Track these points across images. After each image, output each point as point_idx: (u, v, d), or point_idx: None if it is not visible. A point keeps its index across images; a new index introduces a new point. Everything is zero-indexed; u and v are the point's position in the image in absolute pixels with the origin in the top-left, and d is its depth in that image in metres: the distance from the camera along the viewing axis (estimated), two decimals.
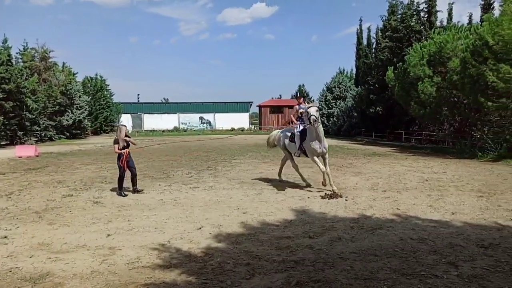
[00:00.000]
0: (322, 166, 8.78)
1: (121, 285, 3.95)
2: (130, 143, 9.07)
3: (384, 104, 29.67)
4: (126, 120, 58.89)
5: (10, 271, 4.34)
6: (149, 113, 63.79)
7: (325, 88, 46.16)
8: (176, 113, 64.15)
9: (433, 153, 19.71)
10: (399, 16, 30.32)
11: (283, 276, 4.12)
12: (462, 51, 18.52)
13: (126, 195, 8.66)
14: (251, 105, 67.51)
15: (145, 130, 58.70)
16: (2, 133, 28.33)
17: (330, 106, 43.61)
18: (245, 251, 4.95)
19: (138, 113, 63.65)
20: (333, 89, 44.48)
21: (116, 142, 8.94)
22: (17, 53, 36.91)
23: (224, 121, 63.00)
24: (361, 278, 4.00)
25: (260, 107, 67.29)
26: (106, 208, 7.50)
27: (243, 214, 6.93)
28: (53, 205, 7.83)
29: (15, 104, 29.04)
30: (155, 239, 5.49)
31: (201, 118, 64.48)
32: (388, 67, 26.18)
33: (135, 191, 9.01)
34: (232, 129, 59.99)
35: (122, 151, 8.83)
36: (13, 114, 29.01)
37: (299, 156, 9.50)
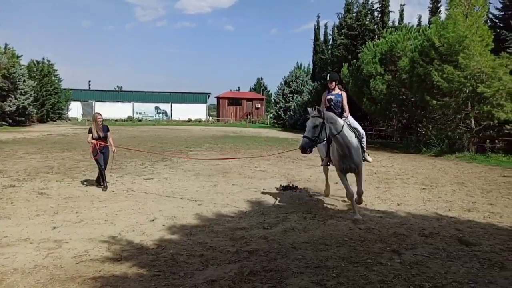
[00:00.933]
0: (347, 189, 6.17)
1: (67, 279, 3.78)
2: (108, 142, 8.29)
3: None
4: (76, 107, 55.98)
5: None
6: (101, 101, 61.02)
7: (283, 82, 46.70)
8: (130, 102, 61.97)
9: (382, 148, 20.72)
10: (354, 14, 31.30)
11: (236, 266, 4.15)
12: (411, 51, 19.52)
13: (105, 188, 8.00)
14: (209, 96, 66.86)
15: None
16: None
17: (287, 100, 44.23)
18: (199, 243, 4.92)
19: (89, 101, 60.69)
20: (291, 83, 45.12)
21: (90, 131, 8.16)
22: None
23: (181, 111, 61.83)
24: (312, 267, 4.14)
25: (218, 98, 66.94)
26: (52, 200, 7.12)
27: (198, 206, 6.88)
28: None
29: None
30: (105, 231, 5.30)
31: (156, 108, 62.84)
32: (343, 63, 27.00)
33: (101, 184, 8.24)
34: (189, 120, 59.08)
35: (93, 141, 8.09)
36: None
37: (327, 166, 7.09)
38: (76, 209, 6.49)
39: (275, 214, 6.35)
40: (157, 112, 62.71)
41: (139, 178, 9.52)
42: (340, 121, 5.96)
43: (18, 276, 3.84)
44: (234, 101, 65.91)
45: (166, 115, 62.93)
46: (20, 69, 39.28)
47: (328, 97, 6.66)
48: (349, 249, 4.72)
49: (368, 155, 6.74)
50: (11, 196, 7.36)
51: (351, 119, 6.58)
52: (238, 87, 78.97)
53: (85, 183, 8.77)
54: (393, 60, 21.74)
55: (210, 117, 65.91)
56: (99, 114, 8.54)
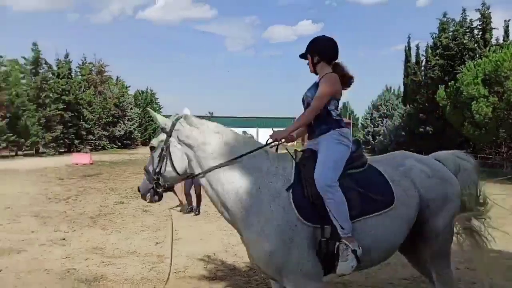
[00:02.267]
0: None
1: None
2: None
3: (434, 124, 28.44)
4: None
5: (68, 271, 4.62)
6: None
7: (370, 106, 45.19)
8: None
9: (489, 177, 18.49)
10: (450, 33, 29.22)
11: None
12: None
13: (189, 212, 8.18)
14: (293, 120, 67.56)
15: None
16: (61, 141, 30.48)
17: (376, 124, 42.50)
18: None
19: None
20: (379, 107, 43.41)
21: None
22: (76, 67, 39.91)
23: (268, 136, 63.36)
24: None
25: None
26: (154, 217, 7.79)
27: None
28: (106, 211, 8.27)
29: (73, 114, 31.26)
30: (200, 250, 5.60)
31: (244, 132, 65.16)
32: (439, 85, 25.17)
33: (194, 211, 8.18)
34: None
35: None
36: (71, 124, 31.20)
37: None
38: (175, 227, 6.99)
39: None
40: None
41: None
42: (213, 141, 2.68)
43: (127, 286, 4.25)
44: None
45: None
46: (128, 98, 44.66)
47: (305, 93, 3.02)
48: None
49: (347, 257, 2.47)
50: (121, 211, 8.26)
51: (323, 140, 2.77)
52: None
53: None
54: (498, 81, 19.60)
55: (295, 142, 66.34)
56: None
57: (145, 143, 49.88)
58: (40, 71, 30.37)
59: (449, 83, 24.39)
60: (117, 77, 47.75)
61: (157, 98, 55.86)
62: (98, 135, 36.16)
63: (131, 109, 43.68)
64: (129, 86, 48.60)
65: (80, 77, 38.28)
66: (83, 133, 33.21)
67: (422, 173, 2.78)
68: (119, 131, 40.61)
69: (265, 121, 66.36)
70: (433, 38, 30.94)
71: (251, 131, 67.82)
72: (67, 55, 33.33)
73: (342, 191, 2.45)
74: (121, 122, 41.37)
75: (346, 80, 2.87)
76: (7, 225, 6.85)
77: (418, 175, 2.76)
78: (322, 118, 2.74)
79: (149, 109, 3.66)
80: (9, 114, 24.89)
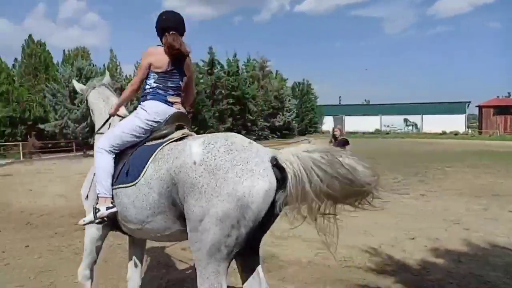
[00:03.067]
0: None
1: (335, 280, 4.11)
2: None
3: None
4: (328, 122, 61.44)
5: None
6: (350, 115, 64.37)
7: None
8: (378, 114, 62.39)
9: None
10: None
11: None
12: None
13: None
14: (468, 105, 58.47)
15: (346, 132, 59.65)
16: (231, 131, 34.52)
17: None
18: (470, 273, 4.30)
19: (340, 115, 65.24)
20: None
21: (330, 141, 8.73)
22: (242, 65, 44.15)
23: (433, 123, 56.84)
24: None
25: (480, 107, 57.53)
26: None
27: (465, 231, 6.04)
28: None
29: (240, 108, 34.83)
30: (365, 241, 5.46)
31: (405, 120, 60.47)
32: None
33: None
34: (443, 133, 53.55)
35: None
36: (239, 116, 34.89)
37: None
38: (338, 215, 7.01)
39: None
40: (406, 125, 60.29)
41: (393, 193, 9.33)
42: (96, 110, 3.45)
43: (296, 267, 4.50)
44: (503, 109, 54.73)
45: (416, 127, 59.54)
46: (286, 90, 46.93)
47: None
48: None
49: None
50: None
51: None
52: (509, 93, 65.31)
53: None
54: None
55: (470, 129, 57.42)
56: (336, 128, 8.74)
57: (302, 133, 51.73)
58: (215, 71, 34.91)
59: None
60: (277, 71, 50.82)
61: (313, 89, 56.95)
62: (260, 126, 39.37)
63: (289, 100, 45.84)
64: (287, 79, 51.11)
65: (245, 73, 42.32)
66: (249, 124, 36.73)
67: (188, 157, 2.21)
68: (278, 122, 43.26)
69: (429, 107, 59.60)
70: None
71: (414, 118, 62.10)
72: (235, 55, 37.31)
73: (120, 158, 2.66)
74: (280, 113, 43.93)
75: (169, 51, 2.69)
76: None
77: (183, 159, 2.23)
78: (142, 91, 2.83)
79: (74, 81, 3.96)
80: (192, 110, 29.67)
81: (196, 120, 29.48)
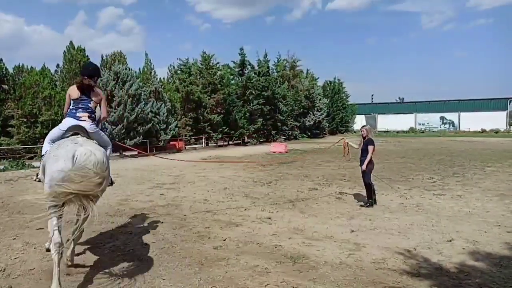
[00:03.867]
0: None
1: (369, 282, 4.04)
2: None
3: None
4: (360, 120, 60.20)
5: (275, 247, 5.20)
6: (383, 113, 62.76)
7: None
8: (412, 113, 60.46)
9: None
10: None
11: None
12: None
13: (368, 205, 7.67)
14: (510, 101, 55.37)
15: (378, 131, 58.16)
16: (261, 132, 34.51)
17: None
18: None
19: (372, 114, 63.75)
20: None
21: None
22: (272, 65, 44.06)
23: (472, 121, 54.38)
24: None
25: None
26: (347, 205, 7.88)
27: (507, 234, 5.76)
28: (302, 196, 8.89)
29: (270, 108, 34.80)
30: (399, 243, 5.33)
31: (442, 118, 58.19)
32: None
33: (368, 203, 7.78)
34: (483, 131, 51.06)
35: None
36: (269, 117, 34.86)
37: None
38: (369, 216, 6.89)
39: None
40: (443, 123, 58.00)
41: (429, 193, 9.03)
42: None
43: (328, 268, 4.45)
44: None
45: (453, 126, 57.16)
46: (317, 90, 46.37)
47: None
48: None
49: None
50: (315, 197, 8.71)
51: None
52: None
53: (376, 192, 9.15)
54: None
55: (511, 127, 54.39)
56: (363, 128, 8.15)
57: (332, 132, 50.99)
58: (245, 71, 35.10)
59: None
60: (307, 70, 50.35)
61: (344, 87, 55.85)
62: (291, 125, 39.13)
63: (319, 100, 45.24)
64: (318, 78, 50.47)
65: (276, 73, 42.22)
66: (279, 124, 36.61)
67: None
68: (309, 121, 42.84)
69: (467, 104, 56.97)
70: None
71: (451, 116, 59.72)
72: (265, 55, 37.24)
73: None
74: (311, 112, 43.48)
75: (77, 86, 4.60)
76: (227, 202, 8.26)
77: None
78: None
79: None
80: (223, 111, 29.94)
81: (227, 121, 29.77)
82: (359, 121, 60.41)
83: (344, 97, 55.06)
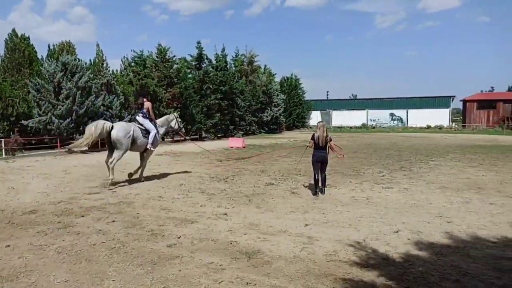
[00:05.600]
0: None
1: (321, 275, 4.15)
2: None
3: None
4: (315, 116, 61.72)
5: (231, 243, 5.19)
6: (338, 109, 64.77)
7: None
8: (364, 109, 62.96)
9: None
10: None
11: None
12: None
13: (316, 194, 8.35)
14: (452, 100, 59.46)
15: (333, 127, 60.00)
16: (219, 127, 34.28)
17: None
18: (452, 266, 4.40)
19: (327, 110, 65.58)
20: None
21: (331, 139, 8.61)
22: (230, 59, 43.80)
23: (419, 118, 57.75)
24: None
25: (464, 101, 58.64)
26: (302, 199, 8.05)
27: (447, 224, 6.17)
28: (258, 191, 8.95)
29: (228, 103, 34.63)
30: (350, 235, 5.53)
31: (391, 114, 61.20)
32: None
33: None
34: (428, 127, 54.37)
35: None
36: (227, 112, 34.68)
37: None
38: (323, 210, 7.09)
39: None
40: (392, 119, 61.01)
41: (378, 186, 9.46)
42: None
43: (282, 262, 4.52)
44: (486, 104, 55.91)
45: (402, 122, 60.29)
46: (275, 85, 46.82)
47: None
48: None
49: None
50: (271, 192, 8.81)
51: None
52: (492, 88, 66.89)
53: (327, 186, 9.44)
54: None
55: (454, 123, 58.42)
56: (321, 124, 8.58)
57: (289, 127, 51.84)
58: (203, 65, 34.59)
59: None
60: (265, 66, 50.66)
61: (301, 83, 56.93)
62: (248, 121, 39.24)
63: (277, 95, 45.75)
64: (275, 74, 50.99)
65: (234, 68, 42.03)
66: (237, 119, 36.57)
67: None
68: (266, 116, 43.21)
69: (414, 101, 60.34)
70: None
71: (400, 112, 62.99)
72: (223, 49, 36.88)
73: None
74: (268, 108, 43.86)
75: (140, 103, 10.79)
76: (182, 199, 8.12)
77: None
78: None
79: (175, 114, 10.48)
80: (179, 105, 29.33)
81: (183, 115, 29.23)
82: (315, 117, 61.98)
83: (301, 93, 56.13)
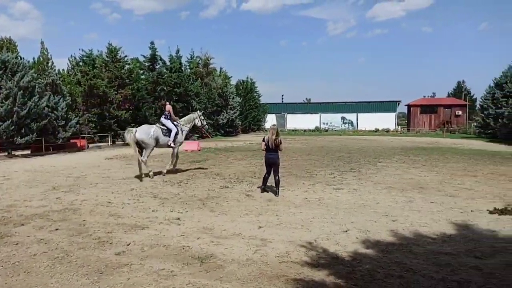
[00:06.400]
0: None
1: (273, 276, 4.19)
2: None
3: None
4: (271, 119, 62.43)
5: (183, 248, 5.10)
6: (292, 113, 66.06)
7: (493, 85, 39.38)
8: (317, 113, 64.73)
9: None
10: None
11: None
12: None
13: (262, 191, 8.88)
14: (398, 104, 62.90)
15: (288, 130, 61.11)
16: None
17: (499, 106, 36.97)
18: (396, 262, 4.63)
19: (282, 113, 66.65)
20: (504, 85, 37.56)
21: (280, 142, 8.78)
22: (185, 61, 43.20)
23: (368, 121, 60.44)
24: None
25: (409, 106, 62.26)
26: (256, 202, 8.10)
27: (392, 222, 6.50)
28: (213, 194, 8.88)
29: (183, 105, 34.09)
30: (302, 236, 5.64)
31: (342, 118, 63.45)
32: None
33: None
34: (376, 130, 57.08)
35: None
36: (181, 114, 34.10)
37: None
38: (276, 212, 7.18)
39: (489, 243, 5.36)
40: (343, 122, 63.28)
41: (329, 188, 9.75)
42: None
43: (235, 266, 4.51)
44: (428, 108, 59.81)
45: (352, 125, 62.74)
46: (230, 88, 46.79)
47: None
48: None
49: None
50: (226, 195, 8.77)
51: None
52: (433, 93, 71.59)
53: (281, 188, 9.58)
54: None
55: (400, 127, 61.85)
56: (274, 127, 8.98)
57: (245, 130, 52.04)
58: (156, 67, 33.79)
59: None
60: (221, 68, 50.54)
61: (257, 87, 57.38)
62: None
63: (233, 98, 45.76)
64: (231, 77, 51.00)
65: (189, 70, 41.46)
66: None
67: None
68: (222, 119, 43.07)
69: (364, 105, 63.18)
70: None
71: (350, 116, 65.33)
72: (178, 51, 36.26)
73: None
74: (224, 111, 43.76)
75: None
76: (133, 204, 7.85)
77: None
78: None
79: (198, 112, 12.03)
80: (132, 107, 28.41)
81: (137, 118, 28.32)
82: (271, 120, 62.71)
83: (256, 97, 56.53)
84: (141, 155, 11.25)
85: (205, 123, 13.23)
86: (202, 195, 8.73)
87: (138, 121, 28.24)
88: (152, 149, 11.56)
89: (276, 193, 8.66)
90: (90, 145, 25.29)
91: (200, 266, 4.47)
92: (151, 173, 11.32)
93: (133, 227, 6.07)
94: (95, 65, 27.96)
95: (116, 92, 27.04)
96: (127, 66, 29.21)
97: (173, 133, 11.76)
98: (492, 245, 5.26)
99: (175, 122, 12.00)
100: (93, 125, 26.22)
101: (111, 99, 26.62)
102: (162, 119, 11.97)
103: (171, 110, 12.02)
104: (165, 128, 11.77)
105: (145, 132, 11.41)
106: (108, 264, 4.51)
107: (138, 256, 4.78)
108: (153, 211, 7.23)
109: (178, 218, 6.65)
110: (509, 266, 4.48)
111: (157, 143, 11.61)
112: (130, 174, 12.03)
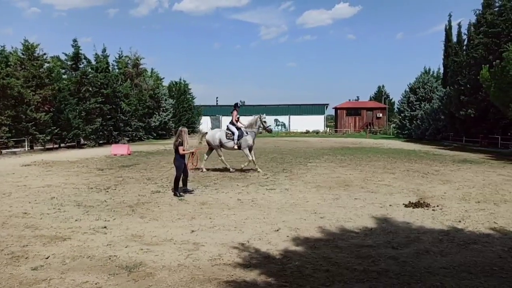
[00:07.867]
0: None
1: (205, 280, 4.15)
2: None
3: (476, 106, 26.87)
4: (206, 122, 61.91)
5: (110, 258, 4.83)
6: (227, 115, 66.14)
7: (408, 89, 43.39)
8: (251, 115, 65.66)
9: None
10: (496, 9, 27.29)
11: (364, 286, 3.97)
12: None
13: (182, 196, 8.85)
14: (326, 107, 66.45)
15: None
16: (100, 133, 31.73)
17: (414, 108, 40.83)
18: (323, 257, 4.87)
19: (217, 115, 66.50)
20: (417, 89, 41.58)
21: (181, 144, 9.21)
22: (113, 61, 41.11)
23: (299, 123, 62.86)
24: None
25: (336, 109, 65.96)
26: (189, 205, 7.96)
27: (320, 219, 6.83)
28: (144, 200, 8.55)
29: (111, 107, 32.36)
30: (235, 238, 5.67)
31: (276, 120, 65.12)
32: (483, 65, 23.69)
33: (186, 191, 9.25)
34: (307, 132, 59.54)
35: (189, 151, 9.84)
36: (109, 116, 32.33)
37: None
38: (209, 215, 7.13)
39: (405, 234, 5.88)
40: (276, 124, 64.97)
41: (262, 188, 9.94)
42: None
43: (165, 272, 4.38)
44: (353, 111, 64.02)
45: (285, 127, 64.72)
46: (163, 90, 45.53)
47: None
48: (500, 281, 4.05)
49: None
50: (157, 200, 8.50)
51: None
52: (357, 97, 76.84)
53: (215, 190, 9.57)
54: None
55: (328, 128, 65.26)
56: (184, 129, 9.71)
57: None
58: (80, 66, 31.60)
59: (494, 63, 22.93)
60: (152, 69, 48.88)
61: (190, 89, 56.52)
62: (135, 126, 37.22)
63: (165, 100, 44.55)
64: (163, 78, 49.61)
65: (117, 70, 39.44)
66: (121, 124, 34.37)
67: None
68: (154, 122, 41.69)
69: (295, 108, 65.64)
70: (476, 15, 29.07)
71: (283, 118, 67.26)
72: (104, 50, 34.28)
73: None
74: (156, 113, 42.41)
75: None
76: (53, 214, 7.24)
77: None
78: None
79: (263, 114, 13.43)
80: (52, 109, 26.21)
81: (58, 121, 26.19)
82: (205, 122, 62.21)
83: (190, 98, 55.67)
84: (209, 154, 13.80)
85: (267, 124, 13.85)
86: (132, 201, 8.36)
87: (59, 124, 26.17)
88: (220, 149, 13.24)
89: (185, 191, 9.24)
90: (3, 151, 22.81)
91: (128, 276, 4.27)
92: (231, 168, 13.17)
93: (53, 239, 5.61)
94: (9, 63, 25.32)
95: (34, 93, 24.76)
96: (46, 65, 26.90)
97: (235, 137, 13.00)
98: (407, 235, 5.78)
99: (240, 126, 13.27)
100: (7, 129, 23.69)
101: (27, 101, 24.31)
102: (228, 124, 13.49)
103: (234, 116, 13.42)
104: (230, 132, 13.13)
105: (211, 135, 13.49)
106: (22, 281, 4.11)
107: (59, 270, 4.42)
108: (76, 220, 6.74)
109: (105, 227, 6.28)
110: (420, 254, 4.95)
111: (222, 146, 13.15)
112: (50, 182, 11.09)
